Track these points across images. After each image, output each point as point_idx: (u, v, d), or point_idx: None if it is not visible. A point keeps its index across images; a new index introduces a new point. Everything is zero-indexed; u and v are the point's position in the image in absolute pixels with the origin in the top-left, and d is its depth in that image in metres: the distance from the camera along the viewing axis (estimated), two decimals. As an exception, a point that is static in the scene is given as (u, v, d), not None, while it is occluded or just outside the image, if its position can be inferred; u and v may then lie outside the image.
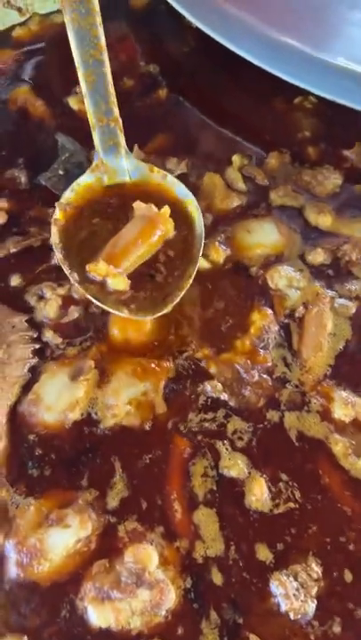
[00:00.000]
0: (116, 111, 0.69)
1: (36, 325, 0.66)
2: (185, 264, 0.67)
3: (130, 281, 0.64)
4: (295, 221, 0.75)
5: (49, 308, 0.67)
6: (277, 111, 0.87)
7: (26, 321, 0.66)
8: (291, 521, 0.56)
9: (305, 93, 0.84)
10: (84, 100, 0.68)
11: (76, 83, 0.83)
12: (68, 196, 0.70)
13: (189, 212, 0.70)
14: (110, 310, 0.63)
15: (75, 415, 0.60)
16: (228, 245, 0.72)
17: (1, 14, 0.97)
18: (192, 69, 0.93)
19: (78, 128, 0.82)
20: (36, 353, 0.64)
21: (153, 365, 0.64)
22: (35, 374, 0.63)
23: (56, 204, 0.69)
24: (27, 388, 0.62)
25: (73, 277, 0.65)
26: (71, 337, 0.66)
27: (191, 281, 0.65)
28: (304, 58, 0.76)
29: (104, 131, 0.69)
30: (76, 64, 0.65)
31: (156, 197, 0.69)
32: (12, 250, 0.72)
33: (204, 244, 0.69)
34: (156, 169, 0.72)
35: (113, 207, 0.70)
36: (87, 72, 0.66)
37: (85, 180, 0.71)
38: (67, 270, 0.65)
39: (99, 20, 0.63)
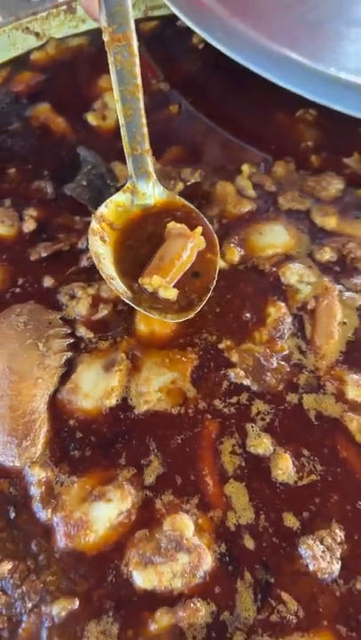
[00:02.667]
0: (148, 144, 0.74)
1: (69, 322, 0.71)
2: (206, 280, 0.73)
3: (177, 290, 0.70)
4: (303, 223, 0.81)
5: (81, 306, 0.72)
6: (282, 123, 0.93)
7: (60, 318, 0.71)
8: (314, 491, 0.60)
9: (306, 106, 0.92)
10: (121, 131, 0.73)
11: (94, 100, 0.93)
12: (103, 210, 0.76)
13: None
14: (146, 313, 0.69)
15: (110, 402, 0.65)
16: (242, 247, 0.78)
17: (19, 39, 1.03)
18: (201, 87, 0.99)
19: (98, 142, 0.88)
20: (71, 346, 0.69)
21: (179, 356, 0.68)
22: (71, 365, 0.68)
23: (92, 215, 0.75)
24: (65, 377, 0.67)
25: (116, 286, 0.70)
26: (102, 332, 0.71)
27: (210, 294, 0.71)
28: (302, 68, 0.83)
29: (137, 159, 0.75)
30: (116, 99, 0.70)
31: (180, 217, 0.77)
32: (43, 254, 0.77)
33: (221, 245, 0.75)
34: (178, 197, 0.79)
35: (145, 229, 0.77)
36: (125, 107, 0.71)
37: (118, 198, 0.77)
38: (110, 278, 0.70)
39: (137, 61, 0.67)
